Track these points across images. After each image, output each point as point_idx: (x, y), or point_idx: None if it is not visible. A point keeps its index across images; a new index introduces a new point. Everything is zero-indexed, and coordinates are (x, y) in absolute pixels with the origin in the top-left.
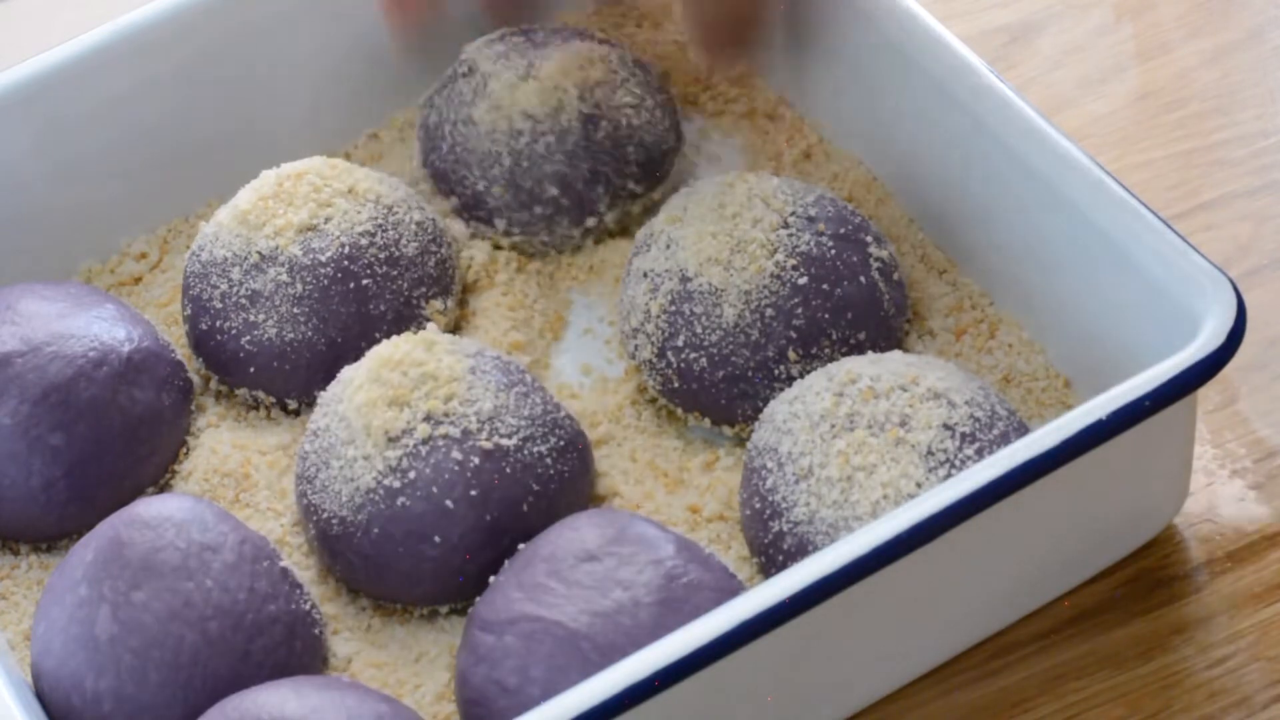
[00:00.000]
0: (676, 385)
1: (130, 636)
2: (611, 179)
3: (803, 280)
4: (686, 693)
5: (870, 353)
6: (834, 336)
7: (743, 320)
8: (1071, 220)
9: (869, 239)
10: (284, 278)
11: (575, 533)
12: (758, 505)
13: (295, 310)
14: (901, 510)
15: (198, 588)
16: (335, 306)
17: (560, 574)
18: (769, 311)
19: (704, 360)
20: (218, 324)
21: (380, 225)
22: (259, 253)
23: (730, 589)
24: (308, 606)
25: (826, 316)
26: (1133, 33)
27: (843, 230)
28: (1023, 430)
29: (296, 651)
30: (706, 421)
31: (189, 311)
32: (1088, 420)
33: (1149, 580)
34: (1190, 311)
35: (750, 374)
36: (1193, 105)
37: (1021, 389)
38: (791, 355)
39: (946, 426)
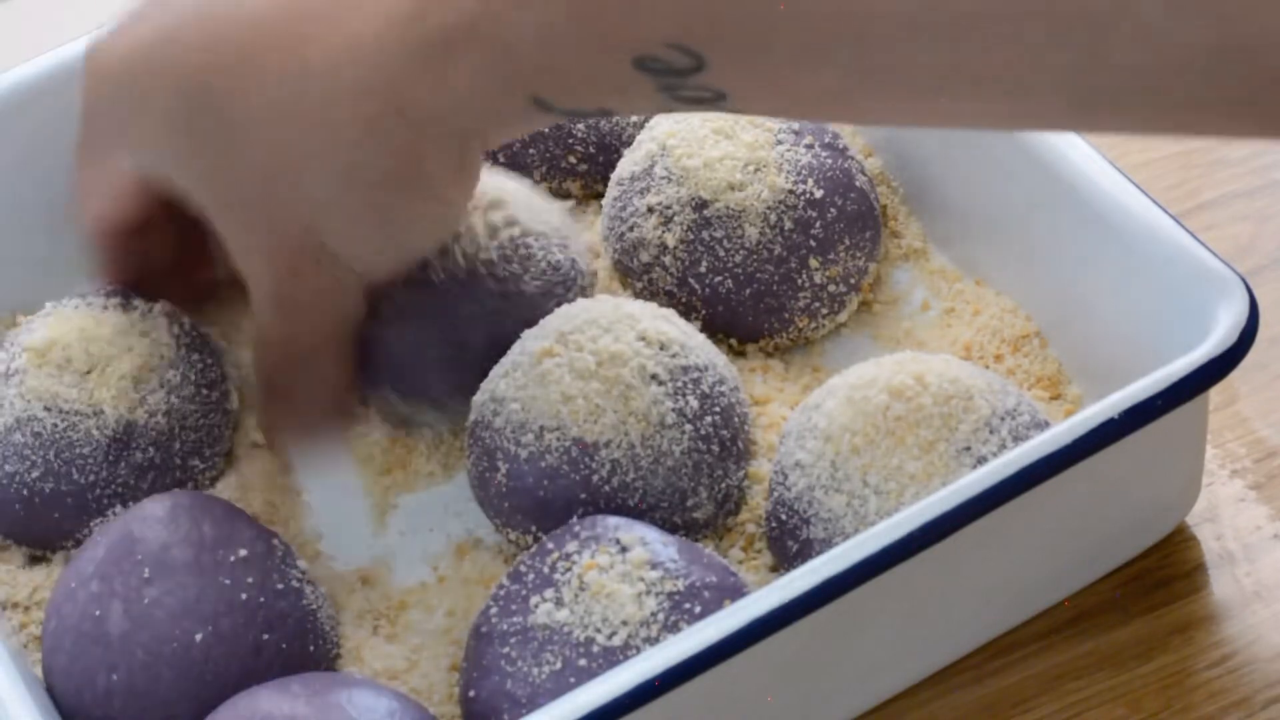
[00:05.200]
0: (703, 312)
1: (142, 633)
2: (551, 149)
3: (819, 193)
4: (692, 694)
5: (871, 263)
6: (847, 242)
7: (765, 237)
8: (1081, 217)
9: (844, 145)
10: None
11: (574, 540)
12: (784, 516)
13: None
14: (909, 512)
15: (210, 584)
16: None
17: (562, 583)
18: (788, 225)
19: (730, 282)
20: None
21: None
22: None
23: (734, 588)
24: (319, 603)
25: (842, 224)
26: None
27: (826, 140)
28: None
29: (308, 649)
30: (732, 342)
31: None
32: (1100, 420)
33: (1149, 580)
34: (1201, 310)
35: (775, 287)
36: None
37: (1028, 386)
38: (813, 263)
39: (984, 426)
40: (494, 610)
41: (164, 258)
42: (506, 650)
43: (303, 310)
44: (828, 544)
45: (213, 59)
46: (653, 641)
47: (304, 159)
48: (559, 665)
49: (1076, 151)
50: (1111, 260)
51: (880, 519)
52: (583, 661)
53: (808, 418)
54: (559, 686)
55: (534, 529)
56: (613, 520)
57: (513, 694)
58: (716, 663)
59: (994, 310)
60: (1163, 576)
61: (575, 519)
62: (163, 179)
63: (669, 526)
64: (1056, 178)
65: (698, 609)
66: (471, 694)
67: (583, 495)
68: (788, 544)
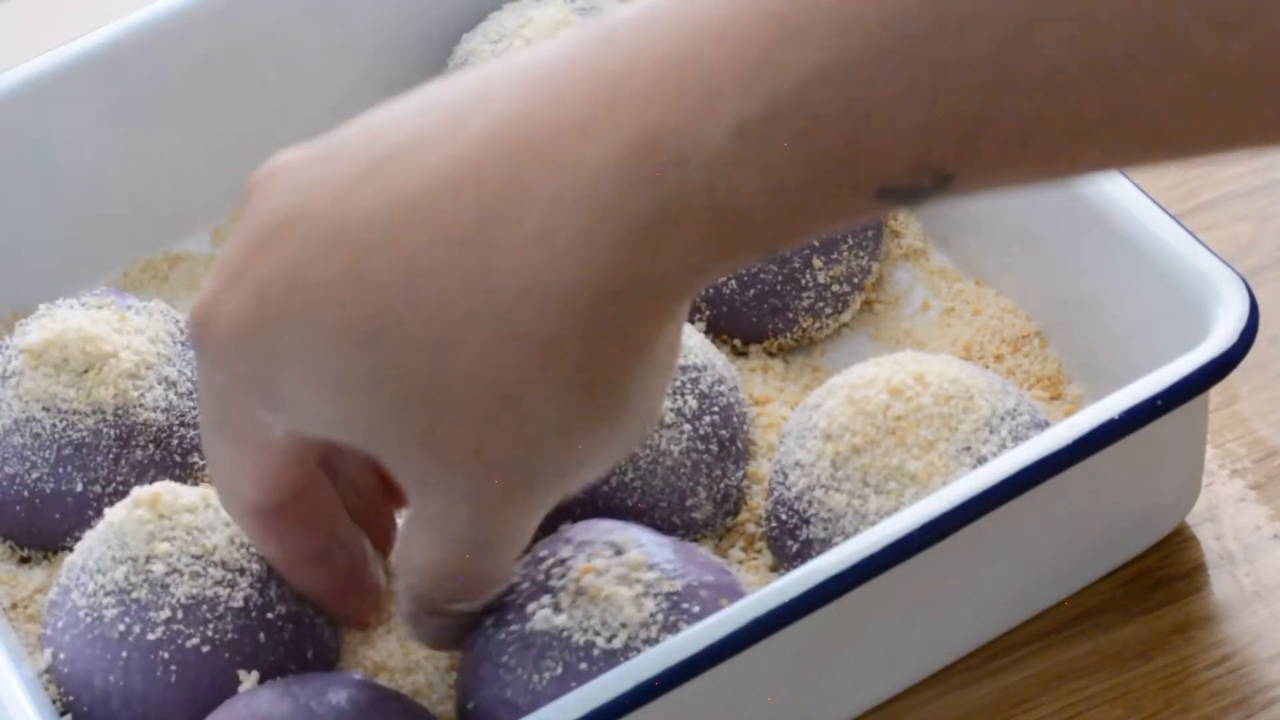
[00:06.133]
0: (707, 313)
1: (139, 634)
2: None
3: None
4: (691, 694)
5: (873, 262)
6: (850, 240)
7: None
8: (1082, 217)
9: None
10: None
11: (568, 545)
12: (784, 516)
13: None
14: (910, 512)
15: (208, 585)
16: None
17: (559, 588)
18: None
19: (733, 283)
20: None
21: None
22: None
23: (730, 587)
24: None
25: None
26: None
27: None
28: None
29: (307, 650)
30: (736, 342)
31: None
32: (1100, 420)
33: (1149, 580)
34: (1201, 310)
35: (779, 288)
36: None
37: (1028, 386)
38: (816, 263)
39: (984, 426)
40: (489, 623)
41: (331, 514)
42: (505, 659)
43: (501, 542)
44: (828, 543)
45: (372, 289)
46: (653, 643)
47: (520, 383)
48: (559, 670)
49: None
50: (1112, 260)
51: (881, 518)
52: (584, 665)
53: (807, 417)
54: (560, 692)
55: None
56: (604, 524)
57: (513, 702)
58: (717, 663)
59: (994, 310)
60: (1163, 576)
61: (566, 524)
62: (328, 436)
63: (668, 526)
64: None
65: (696, 609)
66: (470, 705)
67: (581, 495)
68: (787, 544)
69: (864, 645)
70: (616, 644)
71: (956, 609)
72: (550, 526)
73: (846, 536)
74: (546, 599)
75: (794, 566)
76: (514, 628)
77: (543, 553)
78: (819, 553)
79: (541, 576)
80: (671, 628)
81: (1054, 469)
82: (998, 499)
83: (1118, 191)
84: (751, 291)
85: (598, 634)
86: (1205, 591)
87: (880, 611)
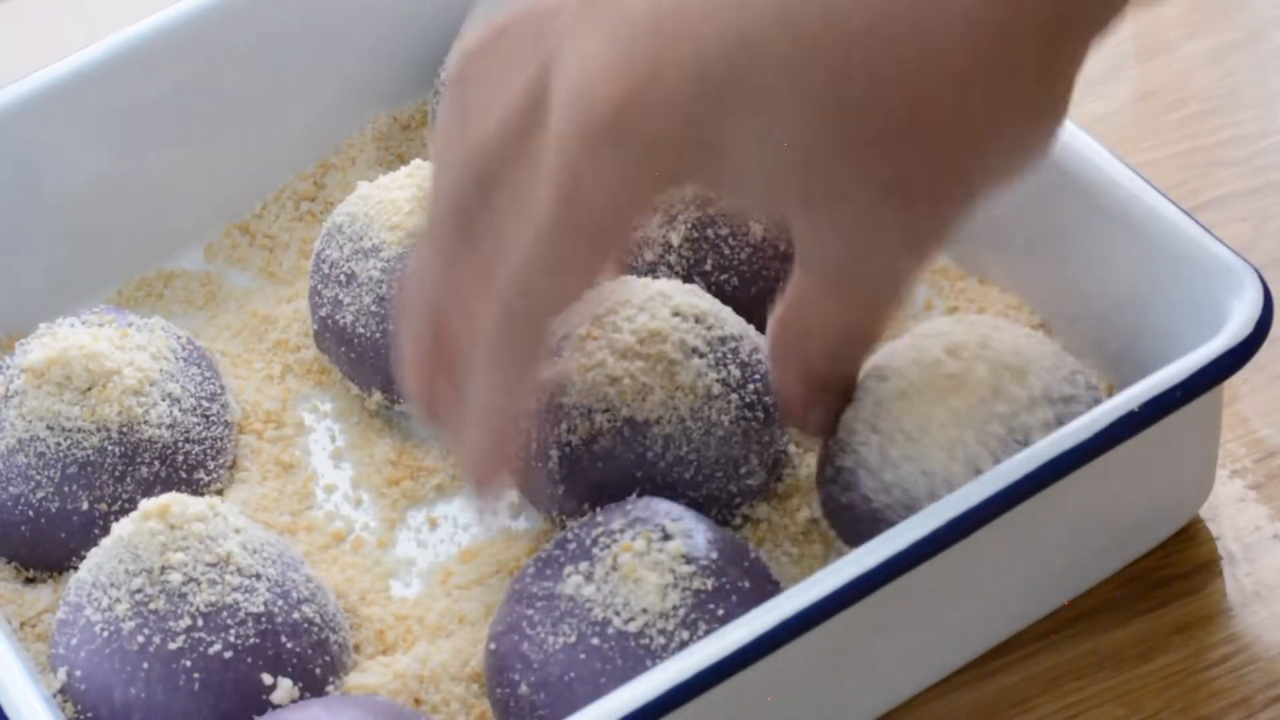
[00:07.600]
0: None
1: (159, 644)
2: None
3: None
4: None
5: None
6: None
7: (770, 233)
8: (1086, 211)
9: None
10: (375, 273)
11: (622, 518)
12: (829, 473)
13: (373, 307)
14: (924, 514)
15: (227, 593)
16: None
17: (597, 559)
18: None
19: (735, 279)
20: (321, 285)
21: None
22: (371, 241)
23: (768, 596)
24: (336, 613)
25: None
26: (1133, 33)
27: None
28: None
29: (327, 658)
30: None
31: (313, 260)
32: (1120, 413)
33: (1149, 580)
34: (1214, 301)
35: (782, 284)
36: (1193, 105)
37: None
38: None
39: (1027, 405)
40: (531, 570)
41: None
42: (530, 612)
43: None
44: (854, 473)
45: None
46: (668, 635)
47: (982, 74)
48: (573, 639)
49: (1080, 144)
50: (1118, 254)
51: (906, 464)
52: (596, 640)
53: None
54: (569, 659)
55: (590, 511)
56: (666, 506)
57: (526, 655)
58: (725, 678)
59: (998, 308)
60: (1162, 576)
61: (635, 495)
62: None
63: (725, 495)
64: (1060, 171)
65: (720, 611)
66: (492, 646)
67: (639, 474)
68: (825, 469)
69: (871, 655)
70: (632, 627)
71: (971, 608)
72: (617, 500)
73: (870, 473)
74: (584, 565)
75: (832, 490)
76: (548, 584)
77: (599, 518)
78: (846, 480)
79: (588, 542)
80: (690, 625)
81: (1073, 464)
82: (1020, 496)
83: (1122, 184)
84: (754, 289)
85: (617, 613)
86: (1205, 591)
87: (891, 618)
